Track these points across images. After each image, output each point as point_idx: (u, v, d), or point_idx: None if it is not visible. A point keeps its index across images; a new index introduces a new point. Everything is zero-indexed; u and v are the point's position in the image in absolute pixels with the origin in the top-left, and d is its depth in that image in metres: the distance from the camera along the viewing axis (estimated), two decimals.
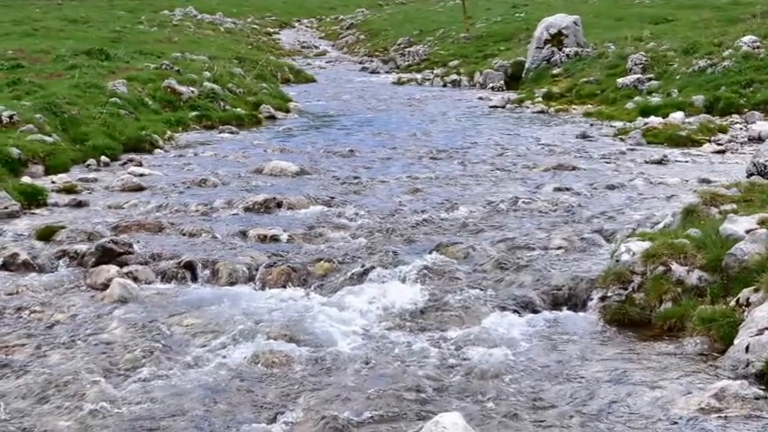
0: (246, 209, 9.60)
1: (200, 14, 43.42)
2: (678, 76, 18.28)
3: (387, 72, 29.42)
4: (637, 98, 17.71)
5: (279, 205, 9.72)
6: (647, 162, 12.47)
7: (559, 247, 7.93)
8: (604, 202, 9.85)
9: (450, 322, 6.35)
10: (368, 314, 6.51)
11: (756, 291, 5.78)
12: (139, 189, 10.70)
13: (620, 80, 19.10)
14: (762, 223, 6.57)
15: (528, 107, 19.59)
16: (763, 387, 5.00)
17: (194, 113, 16.55)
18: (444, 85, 25.24)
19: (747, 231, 6.43)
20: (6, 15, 33.81)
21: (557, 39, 23.27)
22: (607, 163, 12.54)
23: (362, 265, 7.39)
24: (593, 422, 4.80)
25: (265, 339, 5.95)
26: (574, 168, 12.01)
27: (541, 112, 18.90)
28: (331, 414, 4.83)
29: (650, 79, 18.71)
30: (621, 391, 5.16)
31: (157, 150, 13.63)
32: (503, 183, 11.14)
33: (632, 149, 13.64)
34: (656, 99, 17.25)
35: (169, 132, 14.87)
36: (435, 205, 9.79)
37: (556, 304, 6.73)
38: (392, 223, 8.96)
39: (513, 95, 21.22)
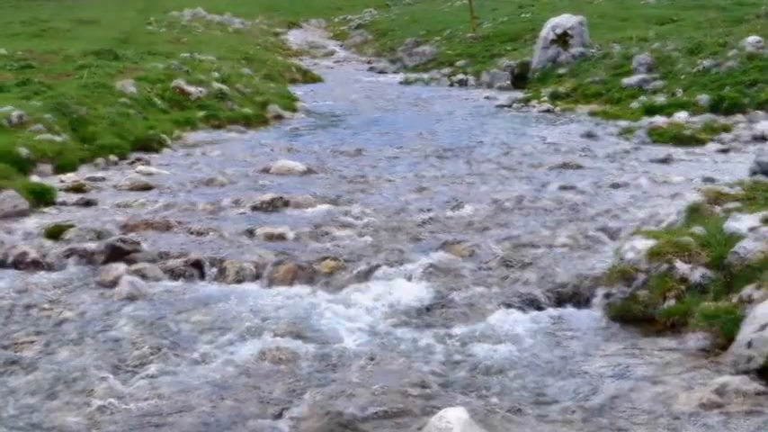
0: (254, 207, 9.65)
1: (208, 15, 43.39)
2: (683, 76, 18.26)
3: (394, 72, 29.40)
4: (641, 98, 17.70)
5: (286, 204, 9.77)
6: (651, 161, 12.50)
7: (564, 245, 7.97)
8: (609, 201, 9.88)
9: (455, 319, 6.39)
10: (374, 311, 6.55)
11: (759, 287, 5.81)
12: (147, 188, 10.77)
13: (625, 80, 19.08)
14: (765, 221, 6.62)
15: (534, 106, 19.58)
16: (764, 382, 5.03)
17: (202, 113, 16.59)
18: (451, 85, 25.21)
19: (750, 229, 6.48)
20: (15, 16, 33.91)
21: (562, 39, 23.26)
22: (612, 162, 12.57)
23: (368, 263, 7.44)
24: (595, 417, 4.85)
25: (272, 336, 6.00)
26: (579, 167, 12.05)
27: (547, 111, 18.90)
28: (336, 410, 4.88)
29: (655, 79, 18.68)
30: (624, 386, 5.20)
31: (165, 149, 13.69)
32: (508, 181, 11.18)
33: (637, 148, 13.67)
34: (660, 99, 17.23)
35: (177, 132, 14.93)
36: (441, 204, 9.83)
37: (560, 301, 6.77)
38: (398, 221, 9.00)
39: (519, 95, 21.23)
